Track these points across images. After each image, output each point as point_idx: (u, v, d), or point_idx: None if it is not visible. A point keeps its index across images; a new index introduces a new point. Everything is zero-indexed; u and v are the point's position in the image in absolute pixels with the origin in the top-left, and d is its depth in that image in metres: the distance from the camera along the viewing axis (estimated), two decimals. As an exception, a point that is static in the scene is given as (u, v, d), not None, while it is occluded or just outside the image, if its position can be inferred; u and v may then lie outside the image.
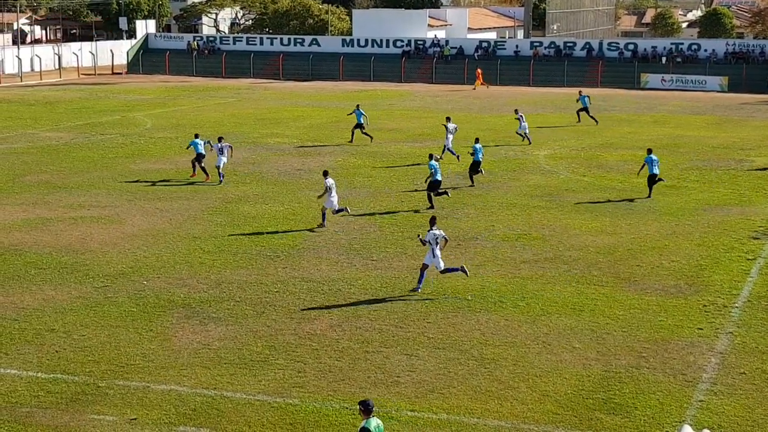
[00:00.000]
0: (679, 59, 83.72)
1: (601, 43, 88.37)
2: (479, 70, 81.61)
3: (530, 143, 48.15)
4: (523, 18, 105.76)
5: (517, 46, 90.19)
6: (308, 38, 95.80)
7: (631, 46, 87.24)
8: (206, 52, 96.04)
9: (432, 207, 33.26)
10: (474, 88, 79.10)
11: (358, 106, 50.18)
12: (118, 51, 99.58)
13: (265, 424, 16.70)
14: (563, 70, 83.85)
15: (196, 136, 39.53)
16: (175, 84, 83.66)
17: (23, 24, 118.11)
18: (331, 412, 17.15)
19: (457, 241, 28.95)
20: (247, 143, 48.14)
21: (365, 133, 48.55)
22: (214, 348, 20.19)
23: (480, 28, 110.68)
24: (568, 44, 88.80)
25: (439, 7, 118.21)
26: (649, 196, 35.35)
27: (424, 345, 20.44)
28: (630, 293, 24.08)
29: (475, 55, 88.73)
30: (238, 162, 42.40)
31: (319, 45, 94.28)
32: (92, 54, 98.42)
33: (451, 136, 42.58)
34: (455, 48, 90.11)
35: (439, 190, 33.73)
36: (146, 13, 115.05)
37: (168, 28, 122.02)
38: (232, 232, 30.02)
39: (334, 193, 30.67)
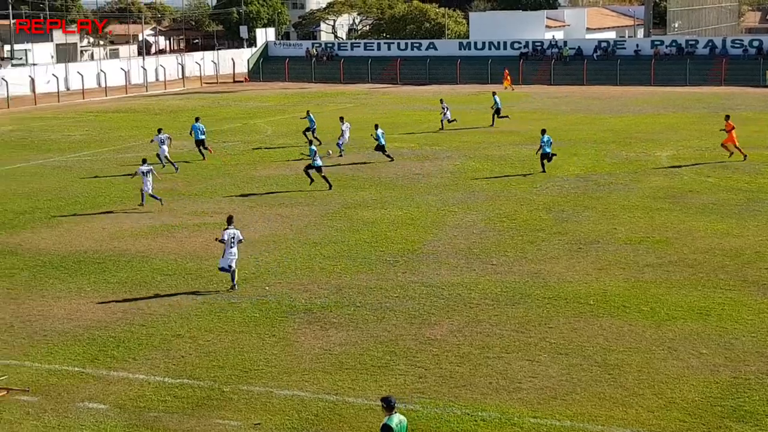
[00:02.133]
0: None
1: (724, 41, 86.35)
2: (506, 70, 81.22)
3: (442, 128, 54.85)
4: (644, 16, 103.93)
5: (637, 46, 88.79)
6: (425, 42, 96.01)
7: (755, 43, 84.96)
8: (324, 58, 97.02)
9: (312, 181, 37.94)
10: (507, 88, 78.43)
11: (308, 111, 51.20)
12: (239, 59, 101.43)
13: (387, 430, 16.70)
14: (685, 69, 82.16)
15: (197, 120, 45.94)
16: (294, 91, 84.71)
17: (148, 35, 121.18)
18: (453, 419, 17.07)
19: (578, 244, 28.60)
20: (366, 148, 48.38)
21: (310, 138, 48.33)
22: (335, 353, 20.32)
23: (599, 28, 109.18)
24: (690, 42, 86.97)
25: (556, 8, 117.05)
26: (543, 171, 40.13)
27: (546, 350, 20.21)
28: (759, 297, 23.40)
29: (594, 55, 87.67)
30: (357, 167, 42.70)
31: (435, 49, 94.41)
32: (214, 63, 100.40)
33: (347, 134, 46.29)
34: (573, 49, 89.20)
35: (323, 175, 37.86)
36: (266, 22, 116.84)
37: (287, 36, 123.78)
38: (351, 237, 30.21)
39: (149, 179, 34.96)
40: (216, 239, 25.75)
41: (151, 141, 43.15)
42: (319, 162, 37.69)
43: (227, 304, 23.78)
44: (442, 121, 55.38)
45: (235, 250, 24.68)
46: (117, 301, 24.17)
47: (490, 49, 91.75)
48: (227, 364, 19.86)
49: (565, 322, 21.92)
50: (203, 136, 45.49)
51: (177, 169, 42.42)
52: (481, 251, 28.24)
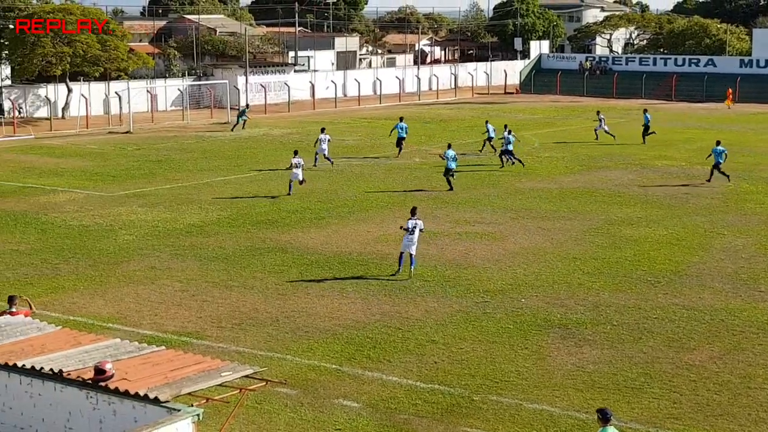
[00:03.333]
0: None
1: None
2: (729, 90, 78.26)
3: (597, 138, 56.05)
4: None
5: None
6: (704, 59, 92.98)
7: None
8: (597, 72, 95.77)
9: (450, 189, 40.02)
10: (728, 107, 76.65)
11: (486, 122, 53.15)
12: (511, 71, 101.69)
13: (636, 454, 16.34)
14: None
15: (401, 120, 51.78)
16: (564, 104, 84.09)
17: (424, 45, 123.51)
18: (706, 448, 16.49)
19: None
20: (634, 165, 47.46)
21: (493, 146, 50.71)
22: (588, 371, 20.05)
23: None
24: None
25: None
26: (708, 180, 41.10)
27: (813, 386, 19.17)
28: None
29: None
30: (623, 183, 41.95)
31: (714, 65, 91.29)
32: (486, 74, 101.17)
33: (324, 145, 46.84)
34: None
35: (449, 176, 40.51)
36: (540, 34, 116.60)
37: (561, 49, 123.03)
38: (612, 255, 29.69)
39: (299, 170, 39.13)
40: (401, 227, 27.41)
41: (316, 142, 47.21)
42: (452, 165, 40.36)
43: (482, 313, 23.93)
44: (596, 131, 56.47)
45: (414, 237, 26.85)
46: (376, 304, 24.82)
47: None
48: (479, 373, 19.99)
49: (836, 357, 20.71)
50: (404, 134, 50.44)
51: (332, 163, 46.48)
52: (749, 277, 27.09)
